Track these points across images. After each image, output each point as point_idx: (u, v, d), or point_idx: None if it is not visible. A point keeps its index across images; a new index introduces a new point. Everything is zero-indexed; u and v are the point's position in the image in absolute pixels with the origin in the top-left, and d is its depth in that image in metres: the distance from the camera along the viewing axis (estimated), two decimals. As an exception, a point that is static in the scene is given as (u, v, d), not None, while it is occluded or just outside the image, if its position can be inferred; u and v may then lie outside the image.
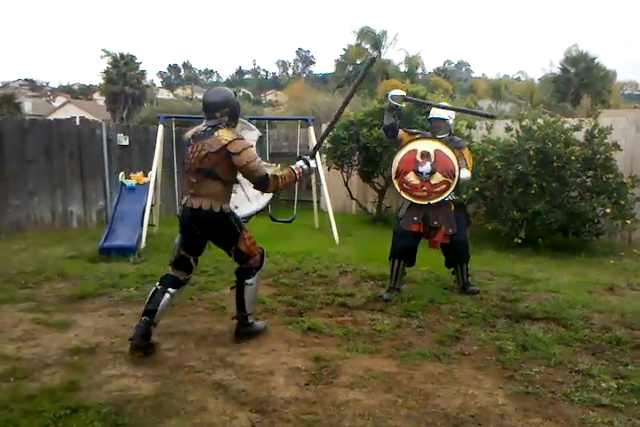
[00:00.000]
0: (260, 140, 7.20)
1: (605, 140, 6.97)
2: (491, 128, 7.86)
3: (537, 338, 3.67)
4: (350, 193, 9.72)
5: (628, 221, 6.74)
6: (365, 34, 43.72)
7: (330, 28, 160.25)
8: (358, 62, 43.06)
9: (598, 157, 6.88)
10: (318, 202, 8.94)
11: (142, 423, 2.58)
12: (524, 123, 7.40)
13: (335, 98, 23.90)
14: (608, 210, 6.64)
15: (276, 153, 10.60)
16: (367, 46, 44.14)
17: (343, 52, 45.15)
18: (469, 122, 8.51)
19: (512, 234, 7.00)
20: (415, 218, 4.63)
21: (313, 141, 8.11)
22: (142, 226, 6.82)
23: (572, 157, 6.80)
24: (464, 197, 7.31)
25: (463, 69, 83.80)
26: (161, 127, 7.62)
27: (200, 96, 54.74)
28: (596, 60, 34.45)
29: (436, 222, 4.62)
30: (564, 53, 35.82)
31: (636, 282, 5.44)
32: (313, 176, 8.54)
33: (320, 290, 4.95)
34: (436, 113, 4.87)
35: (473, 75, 75.33)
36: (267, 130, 9.26)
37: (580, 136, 7.12)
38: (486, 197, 7.36)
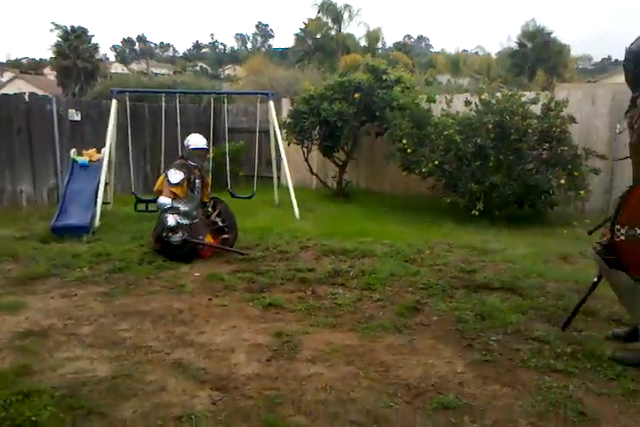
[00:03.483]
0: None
1: (561, 113, 7.07)
2: (450, 102, 7.87)
3: (494, 307, 3.74)
4: (310, 168, 9.63)
5: (582, 192, 6.90)
6: (327, 7, 43.07)
7: (290, 1, 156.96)
8: (318, 37, 42.52)
9: (554, 129, 6.98)
10: (278, 178, 8.84)
11: (98, 406, 2.51)
12: (483, 96, 7.43)
13: (295, 72, 23.58)
14: (563, 181, 6.77)
15: (234, 128, 10.40)
16: (327, 20, 43.54)
17: (303, 26, 44.51)
18: (430, 95, 8.49)
19: (470, 206, 7.08)
20: None
21: (273, 116, 7.98)
22: (96, 204, 6.59)
23: (529, 130, 6.88)
24: (423, 170, 7.36)
25: (423, 44, 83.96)
26: (114, 102, 7.34)
27: (156, 71, 52.89)
28: (553, 35, 35.01)
29: None
30: (522, 28, 36.27)
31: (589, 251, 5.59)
32: (273, 151, 8.42)
33: (281, 266, 4.91)
34: (200, 143, 5.53)
35: (432, 49, 75.58)
36: (225, 104, 9.12)
37: (536, 109, 7.20)
38: (445, 171, 7.39)
